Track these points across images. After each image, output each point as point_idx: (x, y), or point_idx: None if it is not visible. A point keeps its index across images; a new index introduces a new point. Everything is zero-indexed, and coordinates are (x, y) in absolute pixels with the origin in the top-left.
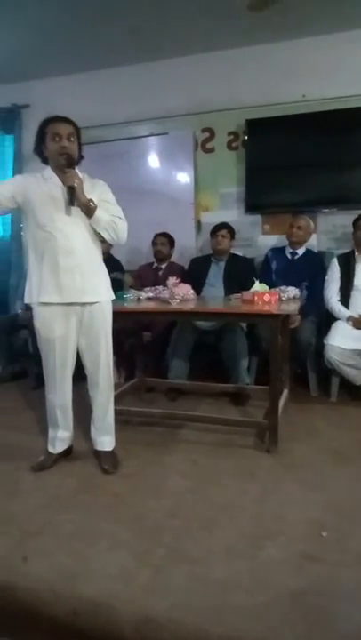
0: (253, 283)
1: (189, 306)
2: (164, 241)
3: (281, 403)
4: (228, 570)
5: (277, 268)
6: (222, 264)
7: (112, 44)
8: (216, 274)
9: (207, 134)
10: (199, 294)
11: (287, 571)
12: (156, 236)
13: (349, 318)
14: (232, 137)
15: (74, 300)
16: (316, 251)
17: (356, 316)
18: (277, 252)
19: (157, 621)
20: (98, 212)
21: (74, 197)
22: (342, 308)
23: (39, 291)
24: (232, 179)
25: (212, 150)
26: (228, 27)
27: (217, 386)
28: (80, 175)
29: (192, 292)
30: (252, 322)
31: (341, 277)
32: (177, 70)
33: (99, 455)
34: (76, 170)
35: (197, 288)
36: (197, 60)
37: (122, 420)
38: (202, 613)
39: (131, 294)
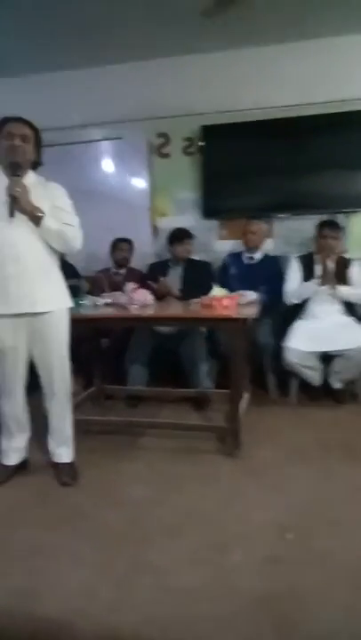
0: (211, 287)
1: (148, 311)
2: (128, 247)
3: (242, 406)
4: (193, 578)
5: (235, 273)
6: (180, 269)
7: (66, 45)
8: (174, 278)
9: (162, 139)
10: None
11: (253, 576)
12: (119, 241)
13: (319, 277)
14: (187, 143)
15: (23, 311)
16: (272, 255)
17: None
18: (235, 257)
19: (122, 637)
20: (45, 222)
21: (14, 207)
22: (306, 283)
23: None
24: (188, 184)
25: (167, 155)
26: (183, 32)
27: (177, 391)
28: (31, 181)
29: (151, 297)
30: (212, 326)
31: (302, 276)
32: (130, 75)
33: (57, 467)
34: (30, 174)
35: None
36: (151, 65)
37: (81, 429)
38: (169, 625)
39: (87, 300)
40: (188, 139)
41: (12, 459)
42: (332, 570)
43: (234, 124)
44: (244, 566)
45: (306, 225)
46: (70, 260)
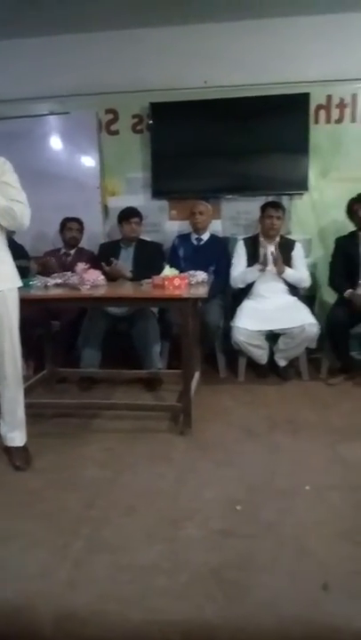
0: (163, 268)
1: (100, 292)
2: (78, 227)
3: (193, 385)
4: (149, 554)
5: (185, 255)
6: (131, 249)
7: (11, 13)
8: (126, 259)
9: (111, 116)
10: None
11: (206, 548)
12: (68, 221)
13: (261, 263)
14: (137, 120)
15: None
16: (221, 236)
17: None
18: (183, 238)
19: (79, 615)
20: None
21: None
22: (249, 268)
23: None
24: (138, 163)
25: (116, 133)
26: (133, 5)
27: (130, 372)
28: None
29: (102, 277)
30: (163, 306)
31: (248, 259)
32: (78, 46)
33: (10, 452)
34: None
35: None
36: (100, 37)
37: (33, 413)
38: (125, 601)
39: (37, 281)
40: (137, 116)
41: None
42: (278, 539)
43: (182, 102)
44: (197, 540)
45: (253, 206)
46: (19, 241)
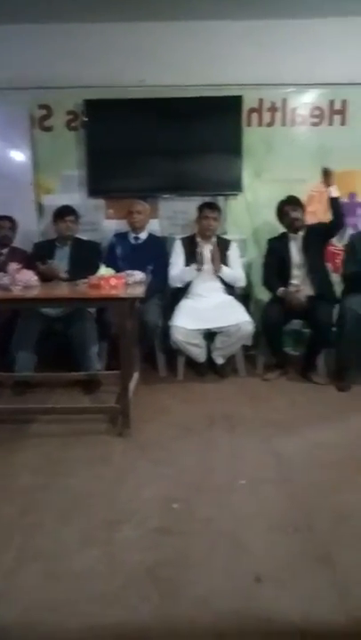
0: (98, 267)
1: (33, 293)
2: (10, 225)
3: (132, 386)
4: (83, 559)
5: (122, 254)
6: (67, 249)
7: None
8: (61, 259)
9: (44, 111)
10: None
11: (142, 548)
12: (0, 218)
13: (198, 263)
14: (71, 116)
15: None
16: (158, 235)
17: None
18: (121, 237)
19: (10, 628)
20: None
21: None
22: (186, 268)
23: None
24: (73, 160)
25: (50, 129)
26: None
27: (67, 375)
28: None
29: (35, 277)
30: (99, 306)
31: (185, 259)
32: (11, 39)
33: None
34: None
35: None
36: (34, 30)
37: None
38: (58, 609)
39: None
40: (72, 112)
41: None
42: (213, 535)
43: (117, 100)
44: (134, 540)
45: (190, 206)
46: None
